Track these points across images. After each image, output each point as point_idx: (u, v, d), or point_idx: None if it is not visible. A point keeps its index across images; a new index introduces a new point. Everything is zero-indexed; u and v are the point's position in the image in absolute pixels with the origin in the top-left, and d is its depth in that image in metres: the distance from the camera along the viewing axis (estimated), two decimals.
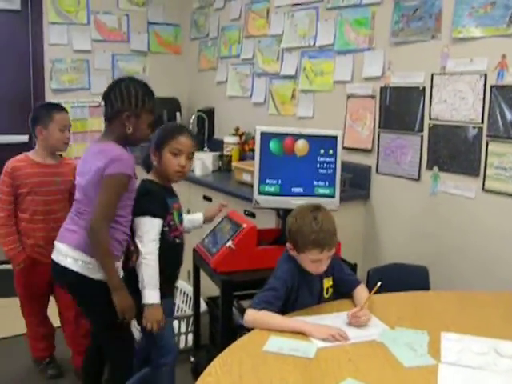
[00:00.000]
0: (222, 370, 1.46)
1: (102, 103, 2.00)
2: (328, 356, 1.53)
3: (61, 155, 2.61)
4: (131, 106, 1.93)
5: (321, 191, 2.34)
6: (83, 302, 2.07)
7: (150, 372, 1.44)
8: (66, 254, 1.95)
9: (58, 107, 2.51)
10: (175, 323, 2.88)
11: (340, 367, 1.48)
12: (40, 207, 2.44)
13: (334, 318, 1.76)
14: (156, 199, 2.01)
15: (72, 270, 1.93)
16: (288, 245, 1.83)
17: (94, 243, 1.89)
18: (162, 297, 1.97)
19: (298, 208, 1.85)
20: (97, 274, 1.93)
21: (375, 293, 1.76)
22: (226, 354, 1.54)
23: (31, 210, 2.43)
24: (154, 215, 1.97)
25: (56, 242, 2.02)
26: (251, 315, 1.72)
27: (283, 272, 1.82)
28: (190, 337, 2.92)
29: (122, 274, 2.04)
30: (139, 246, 1.96)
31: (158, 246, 1.97)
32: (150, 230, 1.96)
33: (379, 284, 1.73)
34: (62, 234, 2.01)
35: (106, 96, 1.97)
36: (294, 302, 1.81)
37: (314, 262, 1.77)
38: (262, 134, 2.29)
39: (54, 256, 2.01)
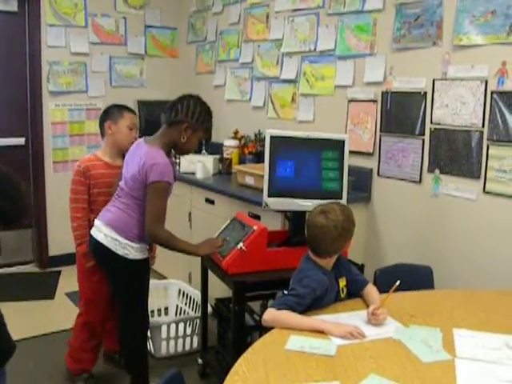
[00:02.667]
0: (248, 368, 1.50)
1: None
2: (349, 353, 1.58)
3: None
4: (192, 120, 2.17)
5: (329, 193, 2.39)
6: (110, 274, 2.31)
7: (177, 373, 1.47)
8: (100, 230, 2.23)
9: (129, 108, 2.55)
10: (181, 325, 2.90)
11: (362, 364, 1.53)
12: None
13: (349, 317, 1.81)
14: None
15: (102, 244, 2.21)
16: None
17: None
18: None
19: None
20: (122, 250, 2.19)
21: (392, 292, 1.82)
22: (250, 354, 1.58)
23: (101, 210, 2.37)
24: None
25: (95, 220, 2.30)
26: (271, 314, 1.76)
27: (312, 281, 1.83)
28: (195, 339, 2.95)
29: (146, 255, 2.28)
30: None
31: None
32: None
33: (398, 283, 1.78)
34: (101, 213, 2.29)
35: (174, 104, 2.20)
36: (316, 305, 1.85)
37: None
38: (272, 137, 2.33)
39: (92, 231, 2.28)
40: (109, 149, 2.50)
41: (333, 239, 1.84)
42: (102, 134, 2.52)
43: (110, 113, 2.49)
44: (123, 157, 2.39)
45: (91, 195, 2.44)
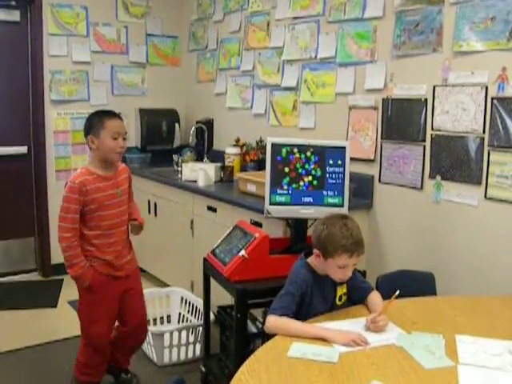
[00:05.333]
0: (251, 375, 1.50)
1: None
2: (351, 360, 1.58)
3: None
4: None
5: (330, 201, 2.40)
6: None
7: (180, 380, 1.46)
8: None
9: (110, 113, 2.38)
10: (183, 333, 2.90)
11: (364, 371, 1.53)
12: (107, 221, 2.33)
13: (351, 324, 1.81)
14: None
15: None
16: (315, 251, 1.87)
17: None
18: None
19: (328, 216, 1.92)
20: None
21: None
22: (253, 361, 1.58)
23: (101, 226, 2.32)
24: None
25: None
26: (273, 321, 1.76)
27: (297, 277, 1.89)
28: (198, 347, 2.95)
29: None
30: None
31: None
32: None
33: (397, 292, 1.79)
34: None
35: None
36: (307, 307, 1.86)
37: (341, 268, 1.82)
38: (273, 145, 2.34)
39: None
40: (98, 162, 2.36)
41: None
42: (89, 146, 2.39)
43: (91, 125, 2.33)
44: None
45: (87, 212, 2.29)
